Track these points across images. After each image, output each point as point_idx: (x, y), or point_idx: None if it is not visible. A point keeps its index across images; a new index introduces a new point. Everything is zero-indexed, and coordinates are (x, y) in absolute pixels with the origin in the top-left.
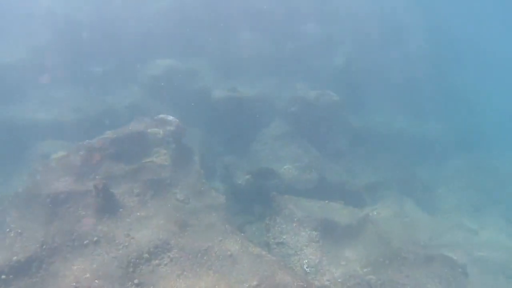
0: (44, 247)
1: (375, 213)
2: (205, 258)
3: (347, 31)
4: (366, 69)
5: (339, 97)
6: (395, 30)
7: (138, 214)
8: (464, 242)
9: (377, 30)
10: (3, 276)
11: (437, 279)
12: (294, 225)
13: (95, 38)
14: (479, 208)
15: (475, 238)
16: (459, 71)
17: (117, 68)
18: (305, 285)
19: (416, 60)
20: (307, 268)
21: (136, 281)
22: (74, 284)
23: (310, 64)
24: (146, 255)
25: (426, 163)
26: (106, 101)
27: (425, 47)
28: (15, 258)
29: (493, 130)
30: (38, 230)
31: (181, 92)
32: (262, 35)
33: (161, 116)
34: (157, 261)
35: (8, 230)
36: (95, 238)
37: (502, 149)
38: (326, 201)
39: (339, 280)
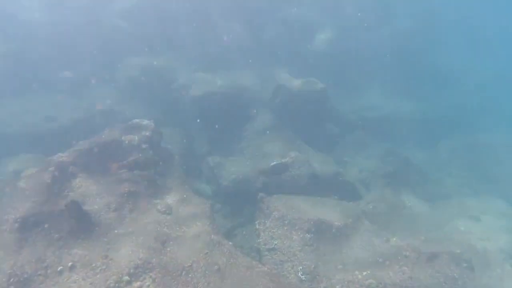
0: (12, 280)
1: (371, 207)
2: (190, 275)
3: (328, 13)
4: (350, 50)
5: (324, 84)
6: (381, 9)
7: (116, 231)
8: (467, 232)
9: (361, 10)
10: None
11: (442, 279)
12: (285, 228)
13: (62, 42)
14: (478, 190)
15: (478, 226)
16: (445, 49)
17: (89, 71)
18: None
19: (403, 39)
20: (302, 275)
21: None
22: None
23: (292, 51)
24: (126, 278)
25: (419, 147)
26: (80, 108)
27: (412, 26)
28: None
29: (480, 108)
30: (5, 261)
31: (158, 92)
32: (241, 24)
33: (136, 121)
34: (138, 283)
35: None
36: (70, 263)
37: (490, 126)
38: (319, 197)
39: (337, 287)
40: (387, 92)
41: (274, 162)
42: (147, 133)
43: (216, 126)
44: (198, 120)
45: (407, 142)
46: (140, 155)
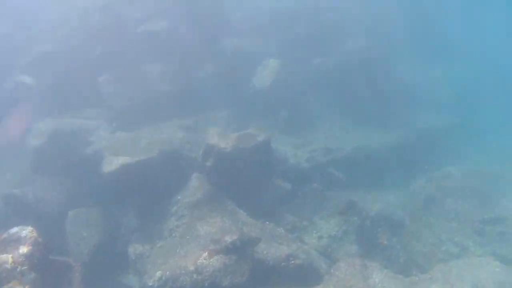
0: None
1: None
2: None
3: (274, 40)
4: (300, 81)
5: (265, 134)
6: (329, 29)
7: None
8: None
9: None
10: None
11: None
12: None
13: None
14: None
15: None
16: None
17: None
18: None
19: (359, 59)
20: None
21: None
22: None
23: (229, 91)
24: None
25: (394, 187)
26: None
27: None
28: None
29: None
30: None
31: (70, 162)
32: (169, 64)
33: (13, 231)
34: None
35: None
36: None
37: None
38: None
39: None
40: (349, 124)
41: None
42: (26, 250)
43: (140, 204)
44: (117, 198)
45: (378, 183)
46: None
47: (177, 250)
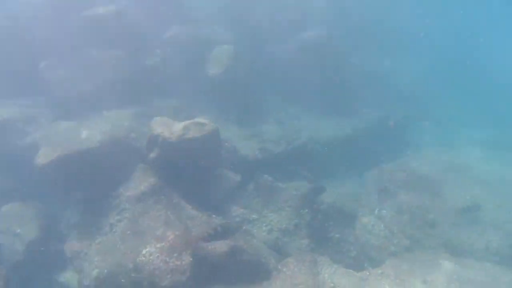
0: None
1: None
2: None
3: (230, 26)
4: (257, 69)
5: (213, 124)
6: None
7: None
8: None
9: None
10: None
11: None
12: None
13: None
14: (418, 241)
15: None
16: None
17: None
18: None
19: (311, 51)
20: None
21: None
22: None
23: (180, 79)
24: None
25: (347, 177)
26: None
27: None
28: None
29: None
30: None
31: (4, 153)
32: (117, 51)
33: None
34: None
35: None
36: None
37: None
38: None
39: None
40: (304, 113)
41: (148, 249)
42: None
43: (80, 197)
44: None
45: (332, 173)
46: None
47: (117, 247)
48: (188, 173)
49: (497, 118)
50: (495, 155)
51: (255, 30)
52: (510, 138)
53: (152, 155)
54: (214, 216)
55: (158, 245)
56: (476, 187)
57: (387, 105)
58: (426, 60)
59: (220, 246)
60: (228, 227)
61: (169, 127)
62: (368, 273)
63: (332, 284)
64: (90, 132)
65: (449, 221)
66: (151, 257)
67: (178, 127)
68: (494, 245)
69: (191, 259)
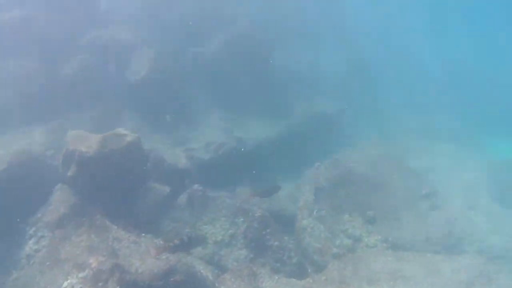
0: None
1: None
2: None
3: (149, 29)
4: (178, 72)
5: (134, 134)
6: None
7: None
8: None
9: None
10: None
11: None
12: None
13: None
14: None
15: None
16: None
17: None
18: None
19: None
20: None
21: None
22: None
23: (100, 87)
24: None
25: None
26: None
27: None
28: None
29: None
30: None
31: None
32: (28, 60)
33: None
34: None
35: None
36: None
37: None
38: None
39: None
40: (235, 114)
41: (69, 281)
42: None
43: None
44: None
45: (266, 176)
46: None
47: (36, 281)
48: (112, 189)
49: (428, 105)
50: (427, 144)
51: (178, 30)
52: (438, 125)
53: (70, 173)
54: (143, 235)
55: (81, 275)
56: (410, 178)
57: (318, 100)
58: (350, 51)
59: (150, 268)
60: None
61: (85, 141)
62: (311, 281)
63: None
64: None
65: (389, 215)
66: None
67: (95, 140)
68: (434, 235)
69: (119, 285)
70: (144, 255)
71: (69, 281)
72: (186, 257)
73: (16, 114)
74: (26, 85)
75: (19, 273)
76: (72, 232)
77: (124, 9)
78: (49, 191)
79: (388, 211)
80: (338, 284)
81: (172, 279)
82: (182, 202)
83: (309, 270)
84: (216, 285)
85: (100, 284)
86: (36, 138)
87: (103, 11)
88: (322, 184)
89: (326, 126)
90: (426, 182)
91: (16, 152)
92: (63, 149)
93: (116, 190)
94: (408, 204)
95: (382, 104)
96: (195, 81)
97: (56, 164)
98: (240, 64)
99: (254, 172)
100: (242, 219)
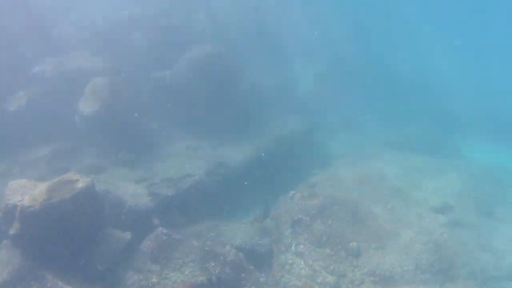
0: None
1: None
2: None
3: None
4: (139, 99)
5: (86, 179)
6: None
7: None
8: None
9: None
10: None
11: None
12: None
13: None
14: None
15: None
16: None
17: None
18: None
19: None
20: None
21: None
22: None
23: (51, 123)
24: None
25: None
26: None
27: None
28: None
29: None
30: None
31: None
32: None
33: None
34: None
35: None
36: None
37: None
38: None
39: None
40: (202, 140)
41: None
42: None
43: None
44: None
45: (237, 209)
46: None
47: None
48: (64, 242)
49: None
50: (403, 158)
51: (136, 56)
52: (412, 139)
53: (12, 231)
54: None
55: None
56: (392, 199)
57: (289, 118)
58: (323, 64)
59: None
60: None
61: (29, 191)
62: None
63: None
64: None
65: (373, 245)
66: None
67: (41, 190)
68: (423, 262)
69: None
70: None
71: None
72: None
73: None
74: None
75: None
76: None
77: (77, 34)
78: None
79: (372, 239)
80: None
81: None
82: (146, 248)
83: None
84: None
85: None
86: None
87: (57, 38)
88: (298, 216)
89: (299, 145)
90: (409, 202)
91: None
92: (3, 203)
93: (69, 242)
94: (392, 229)
95: (354, 117)
96: (158, 108)
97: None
98: (206, 86)
99: (224, 206)
100: (213, 264)
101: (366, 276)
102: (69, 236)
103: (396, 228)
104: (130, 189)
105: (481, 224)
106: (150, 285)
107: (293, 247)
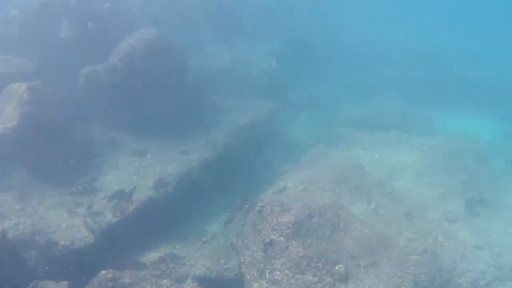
0: None
1: None
2: None
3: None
4: (68, 102)
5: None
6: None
7: None
8: None
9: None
10: None
11: None
12: None
13: None
14: None
15: None
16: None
17: None
18: None
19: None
20: None
21: None
22: None
23: None
24: None
25: None
26: None
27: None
28: None
29: None
30: None
31: None
32: None
33: None
34: None
35: None
36: None
37: None
38: None
39: None
40: (143, 147)
41: None
42: None
43: None
44: None
45: (196, 229)
46: None
47: None
48: None
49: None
50: (376, 140)
51: (64, 50)
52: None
53: None
54: None
55: None
56: (374, 196)
57: (246, 105)
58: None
59: None
60: None
61: None
62: None
63: None
64: None
65: (362, 262)
66: None
67: None
68: (422, 278)
69: None
70: None
71: None
72: None
73: None
74: None
75: None
76: None
77: None
78: None
79: (360, 255)
80: None
81: None
82: None
83: None
84: None
85: None
86: None
87: None
88: (271, 237)
89: (262, 135)
90: (393, 196)
91: None
92: None
93: None
94: (380, 238)
95: (320, 96)
96: (94, 111)
97: None
98: (147, 79)
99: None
100: None
101: None
102: None
103: (385, 235)
104: (63, 222)
105: (475, 217)
106: None
107: (267, 274)
